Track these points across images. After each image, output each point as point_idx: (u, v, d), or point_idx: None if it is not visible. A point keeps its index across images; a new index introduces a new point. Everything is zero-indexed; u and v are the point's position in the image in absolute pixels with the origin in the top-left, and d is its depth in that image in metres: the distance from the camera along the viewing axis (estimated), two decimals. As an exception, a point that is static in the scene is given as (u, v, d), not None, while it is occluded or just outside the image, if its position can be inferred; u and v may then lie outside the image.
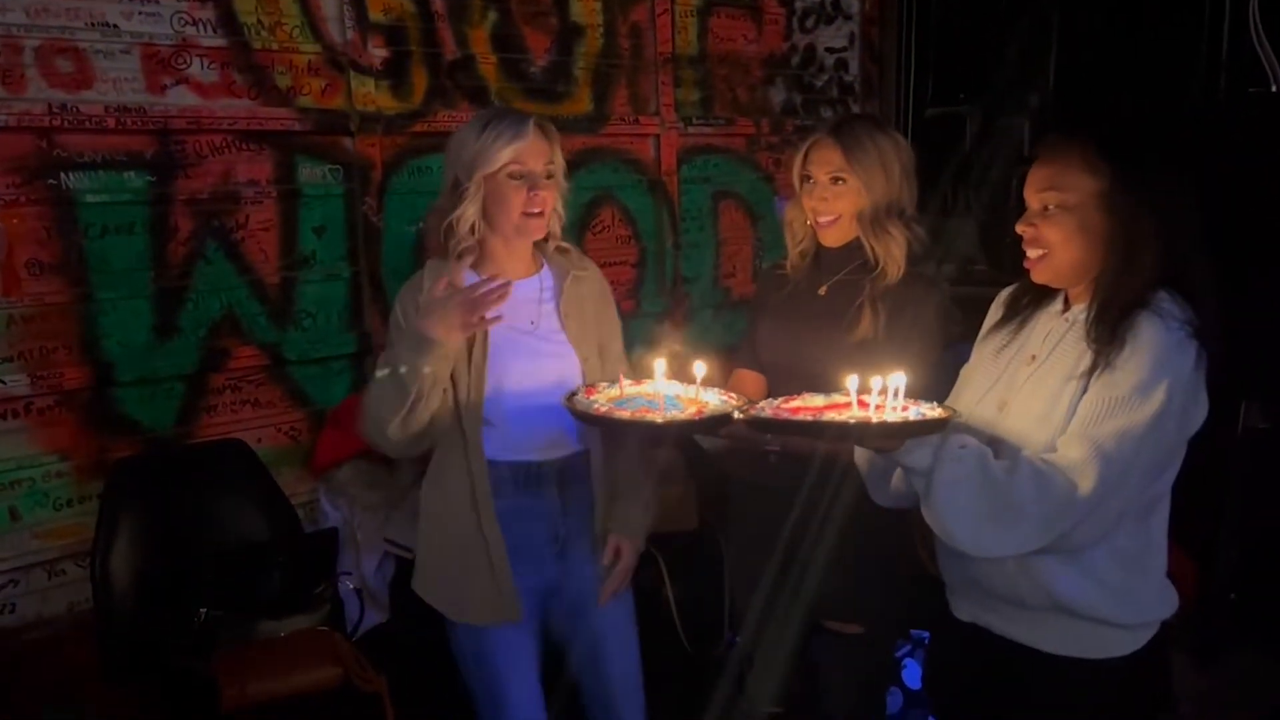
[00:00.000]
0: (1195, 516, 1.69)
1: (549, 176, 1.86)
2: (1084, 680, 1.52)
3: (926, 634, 2.72)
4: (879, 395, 1.44)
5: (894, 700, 2.66)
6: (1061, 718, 1.59)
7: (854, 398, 1.47)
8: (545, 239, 1.93)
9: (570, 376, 1.88)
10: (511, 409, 1.86)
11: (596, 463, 1.95)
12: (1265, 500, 2.97)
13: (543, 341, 1.89)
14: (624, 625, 2.04)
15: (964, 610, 1.66)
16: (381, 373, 1.79)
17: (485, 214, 1.85)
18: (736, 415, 1.58)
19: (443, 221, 1.86)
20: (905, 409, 1.44)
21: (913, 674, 2.71)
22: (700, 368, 1.67)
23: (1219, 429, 1.53)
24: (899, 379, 1.44)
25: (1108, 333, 1.44)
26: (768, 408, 1.56)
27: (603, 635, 2.00)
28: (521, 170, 1.81)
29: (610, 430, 1.83)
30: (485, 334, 1.84)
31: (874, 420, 1.42)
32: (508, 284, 1.74)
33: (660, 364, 1.71)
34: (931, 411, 1.45)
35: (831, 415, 1.46)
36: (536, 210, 1.84)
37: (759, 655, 2.22)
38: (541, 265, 1.95)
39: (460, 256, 1.85)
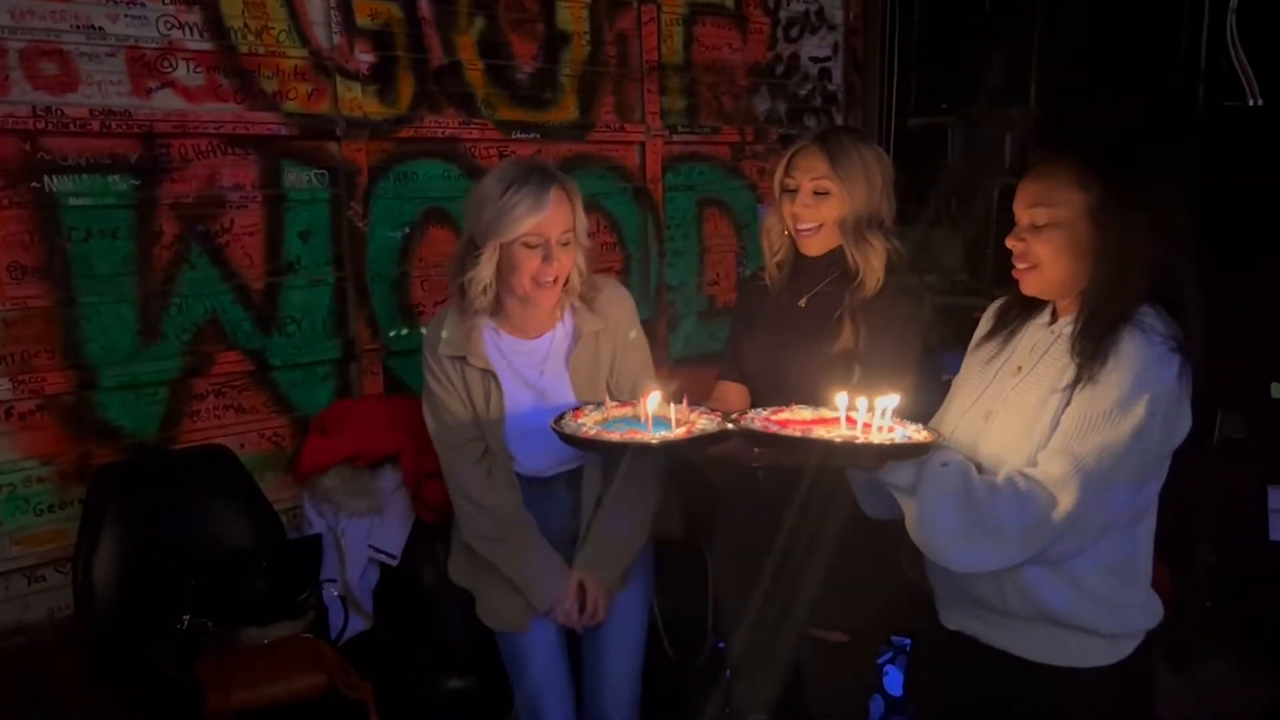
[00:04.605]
0: (1171, 525, 1.71)
1: (565, 244, 1.87)
2: (1069, 689, 1.54)
3: (908, 641, 2.75)
4: (867, 414, 1.46)
5: (876, 707, 2.67)
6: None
7: (843, 415, 1.49)
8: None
9: None
10: (518, 443, 1.98)
11: (589, 475, 2.02)
12: (1241, 509, 3.01)
13: (546, 396, 1.95)
14: (633, 612, 2.15)
15: (952, 620, 1.67)
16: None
17: (499, 276, 1.88)
18: (729, 427, 1.59)
19: (459, 275, 1.91)
20: (891, 429, 1.46)
21: (894, 681, 2.73)
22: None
23: (1195, 438, 1.54)
24: (889, 401, 1.45)
25: (1091, 347, 1.45)
26: (756, 419, 1.57)
27: (610, 618, 2.10)
28: (538, 240, 1.83)
29: (601, 453, 1.84)
30: (501, 391, 1.95)
31: (860, 441, 1.44)
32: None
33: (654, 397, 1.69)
34: (918, 434, 1.47)
35: (820, 431, 1.48)
36: (549, 279, 1.86)
37: (744, 663, 2.24)
38: (559, 317, 1.98)
39: (476, 314, 1.93)
